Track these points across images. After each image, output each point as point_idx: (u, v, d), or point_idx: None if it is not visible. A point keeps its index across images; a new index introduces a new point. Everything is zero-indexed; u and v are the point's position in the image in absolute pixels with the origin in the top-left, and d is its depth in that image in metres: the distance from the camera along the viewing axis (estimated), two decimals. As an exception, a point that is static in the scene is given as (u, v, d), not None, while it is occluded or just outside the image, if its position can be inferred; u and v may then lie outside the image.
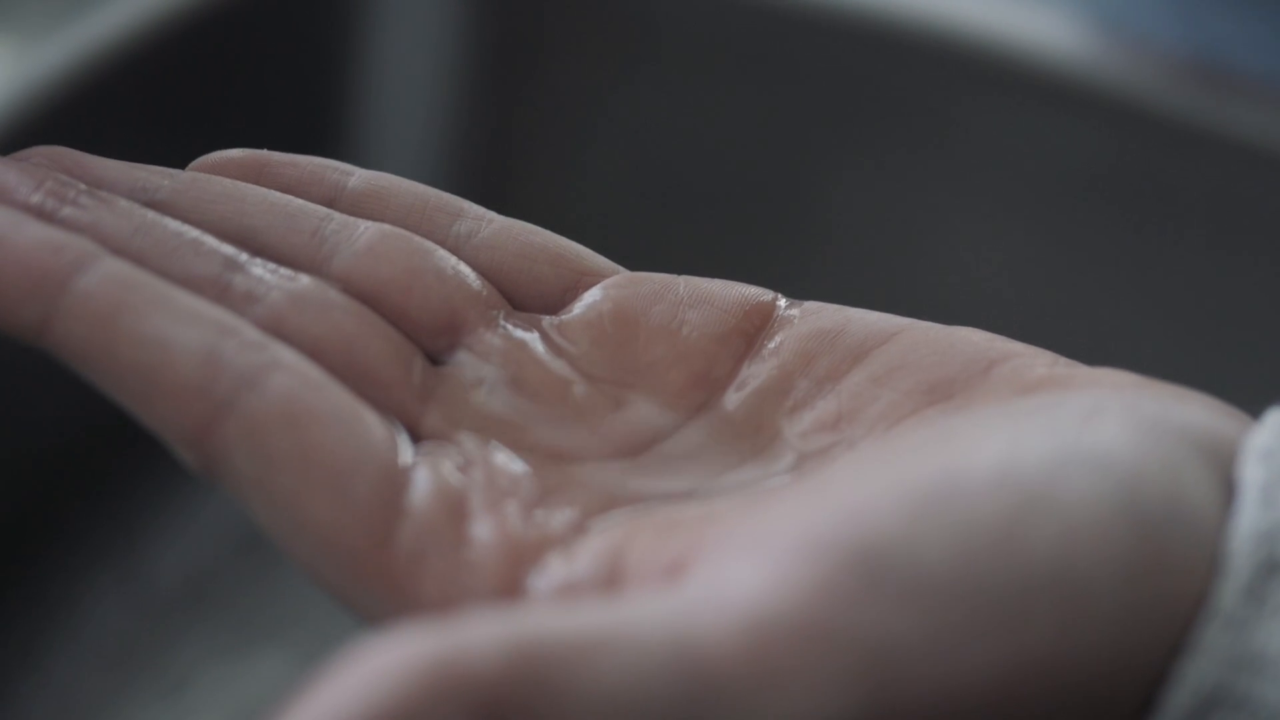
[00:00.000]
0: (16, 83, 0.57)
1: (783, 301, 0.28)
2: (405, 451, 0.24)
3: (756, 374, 0.27)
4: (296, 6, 0.68)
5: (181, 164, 0.28)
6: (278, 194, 0.27)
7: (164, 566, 0.63)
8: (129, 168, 0.27)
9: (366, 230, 0.27)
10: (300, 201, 0.27)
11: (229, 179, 0.27)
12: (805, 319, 0.27)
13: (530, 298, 0.28)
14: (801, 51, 0.66)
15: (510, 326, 0.27)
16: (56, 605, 0.61)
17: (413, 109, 0.72)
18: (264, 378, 0.23)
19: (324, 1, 0.69)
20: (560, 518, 0.24)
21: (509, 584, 0.23)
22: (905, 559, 0.20)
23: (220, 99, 0.65)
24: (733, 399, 0.26)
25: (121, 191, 0.26)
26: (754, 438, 0.26)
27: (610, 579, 0.22)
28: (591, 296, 0.27)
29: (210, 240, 0.26)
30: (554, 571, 0.23)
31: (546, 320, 0.27)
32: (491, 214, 0.28)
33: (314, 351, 0.24)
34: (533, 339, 0.27)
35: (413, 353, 0.26)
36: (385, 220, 0.27)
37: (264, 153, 0.28)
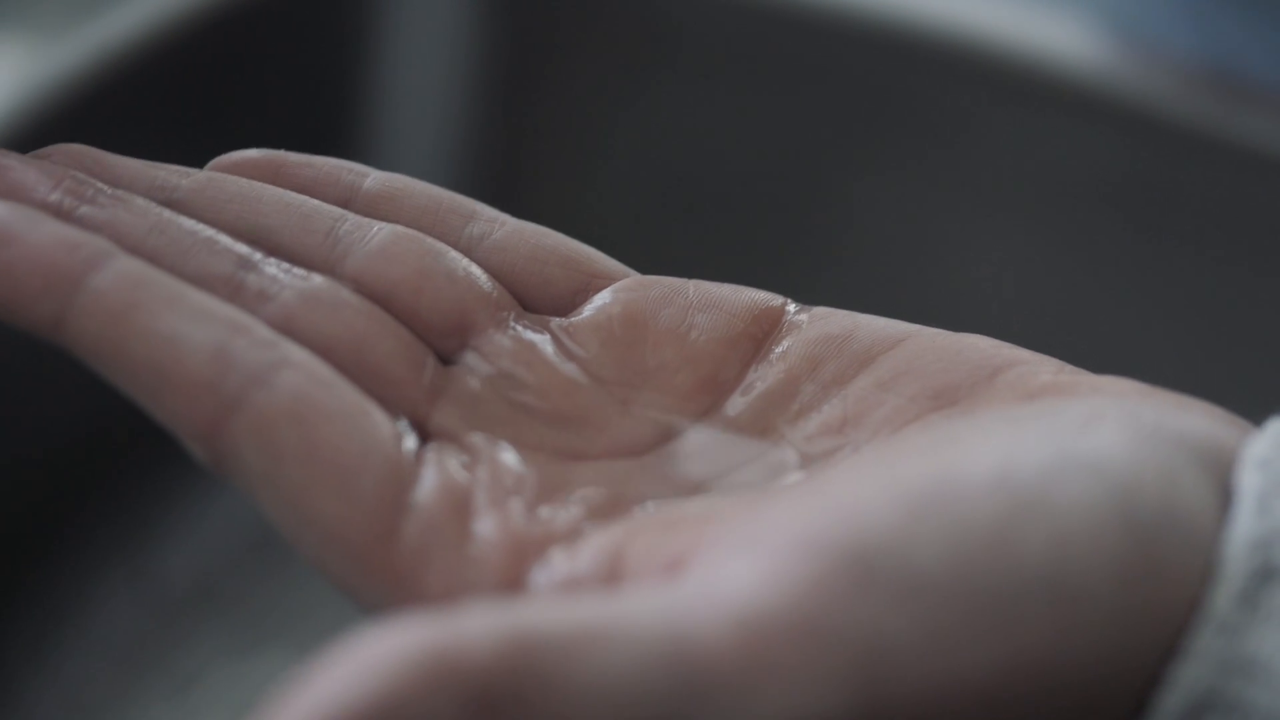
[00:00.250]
0: (32, 82, 0.58)
1: (792, 306, 0.28)
2: (412, 449, 0.25)
3: (763, 377, 0.27)
4: (311, 8, 0.68)
5: (196, 164, 0.29)
6: (293, 194, 0.28)
7: (173, 566, 0.64)
8: (147, 166, 0.28)
9: (379, 231, 0.27)
10: (315, 202, 0.28)
11: (245, 179, 0.28)
12: (813, 324, 0.28)
13: (541, 300, 0.28)
14: (816, 57, 0.67)
15: (520, 328, 0.28)
16: (66, 604, 0.61)
17: (427, 111, 0.72)
18: (273, 375, 0.24)
19: (338, 3, 0.69)
20: (564, 515, 0.24)
21: (512, 579, 0.23)
22: (900, 559, 0.20)
23: (234, 100, 0.66)
24: (739, 402, 0.27)
25: (139, 190, 0.27)
26: (760, 440, 0.26)
27: (611, 575, 0.23)
28: (601, 299, 0.28)
29: (224, 239, 0.26)
30: (556, 567, 0.23)
31: (556, 322, 0.28)
32: (505, 216, 0.29)
33: (325, 350, 0.25)
34: (542, 340, 0.27)
35: (423, 352, 0.27)
36: (399, 222, 0.28)
37: (280, 153, 0.29)
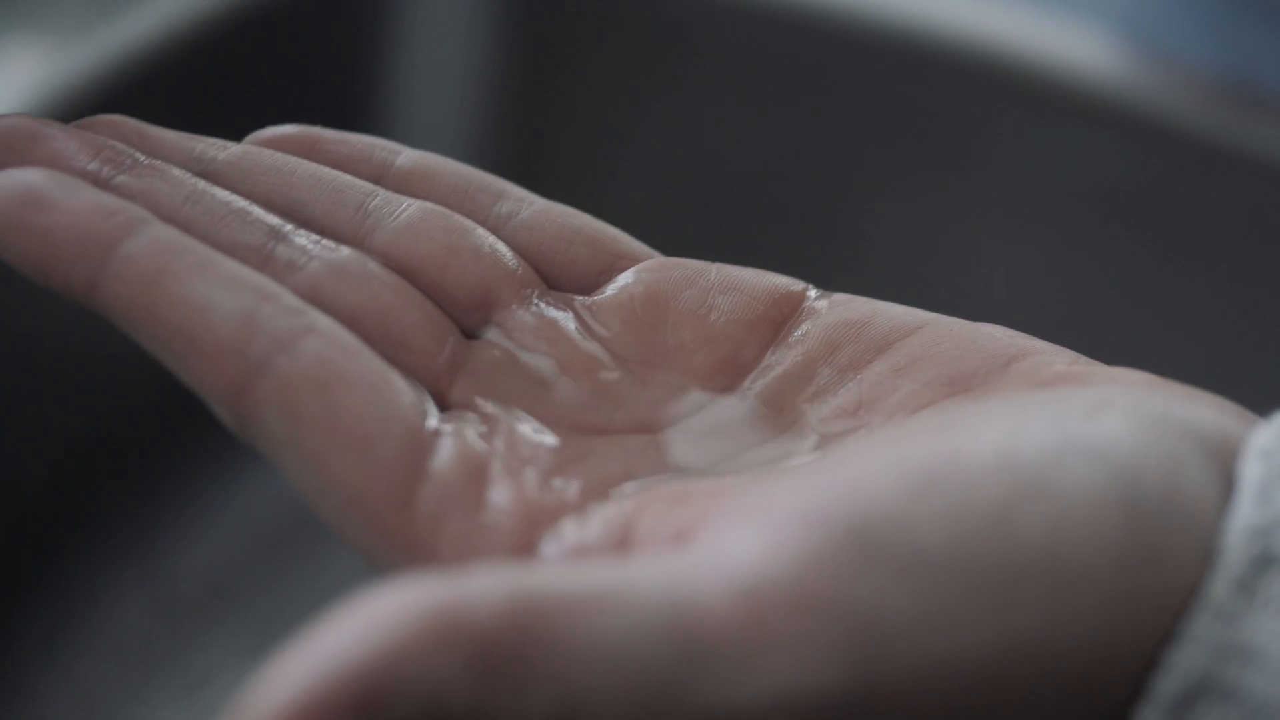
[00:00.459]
0: (56, 79, 0.59)
1: (813, 292, 0.29)
2: (432, 418, 0.25)
3: (781, 360, 0.28)
4: (331, 7, 0.69)
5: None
6: (326, 169, 0.29)
7: (185, 567, 0.65)
8: (185, 138, 0.29)
9: (409, 207, 0.28)
10: (347, 177, 0.29)
11: (280, 153, 0.29)
12: (833, 310, 0.28)
13: (566, 278, 0.29)
14: (831, 63, 0.67)
15: (543, 305, 0.28)
16: (79, 603, 0.62)
17: (445, 110, 0.73)
18: (298, 341, 0.25)
19: (359, 2, 0.70)
20: (577, 487, 0.25)
21: (524, 547, 0.24)
22: (901, 535, 0.21)
23: (253, 99, 0.66)
24: (756, 383, 0.28)
25: (177, 161, 0.28)
26: (775, 421, 0.27)
27: (620, 545, 0.23)
28: (624, 279, 0.29)
29: (257, 211, 0.27)
30: (566, 536, 0.24)
31: (579, 300, 0.29)
32: (533, 196, 0.30)
33: (350, 320, 0.26)
34: (564, 317, 0.28)
35: (447, 326, 0.27)
36: (430, 199, 0.29)
37: (316, 129, 0.30)
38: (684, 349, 0.28)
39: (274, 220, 0.27)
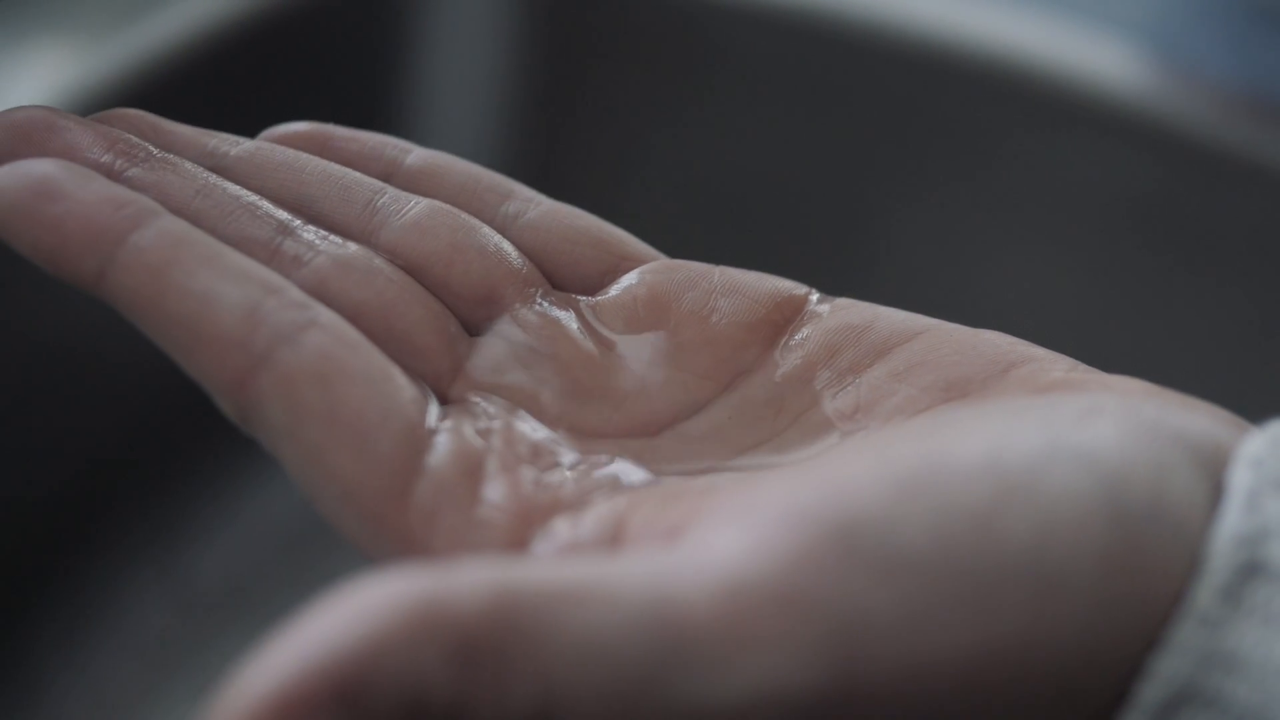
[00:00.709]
0: (84, 78, 0.60)
1: (815, 296, 0.29)
2: (431, 414, 0.26)
3: (781, 363, 0.28)
4: (353, 9, 0.69)
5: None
6: (336, 166, 0.29)
7: (202, 566, 0.65)
8: (199, 133, 0.29)
9: (416, 205, 0.29)
10: (356, 174, 0.29)
11: (292, 150, 0.30)
12: (835, 314, 0.29)
13: (571, 278, 0.30)
14: (854, 73, 0.67)
15: (547, 304, 0.29)
16: (96, 601, 0.63)
17: (466, 115, 0.73)
18: (301, 335, 0.25)
19: (381, 6, 0.70)
20: (572, 486, 0.25)
21: (517, 543, 0.24)
22: (884, 536, 0.21)
23: (275, 100, 0.67)
24: (755, 385, 0.28)
25: (190, 155, 0.29)
26: (772, 423, 0.27)
27: (612, 543, 0.23)
28: (628, 280, 0.29)
29: (266, 205, 0.28)
30: (559, 533, 0.24)
31: (583, 300, 0.29)
32: (541, 197, 0.30)
33: (355, 315, 0.26)
34: (567, 317, 0.29)
35: (451, 323, 0.28)
36: (439, 197, 0.30)
37: (328, 127, 0.31)
38: (685, 350, 0.28)
39: (282, 215, 0.28)
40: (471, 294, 0.28)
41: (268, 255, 0.27)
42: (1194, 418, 0.24)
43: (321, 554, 0.61)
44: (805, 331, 0.28)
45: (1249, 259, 0.63)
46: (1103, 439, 0.23)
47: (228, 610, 0.64)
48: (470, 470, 0.25)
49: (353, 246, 0.28)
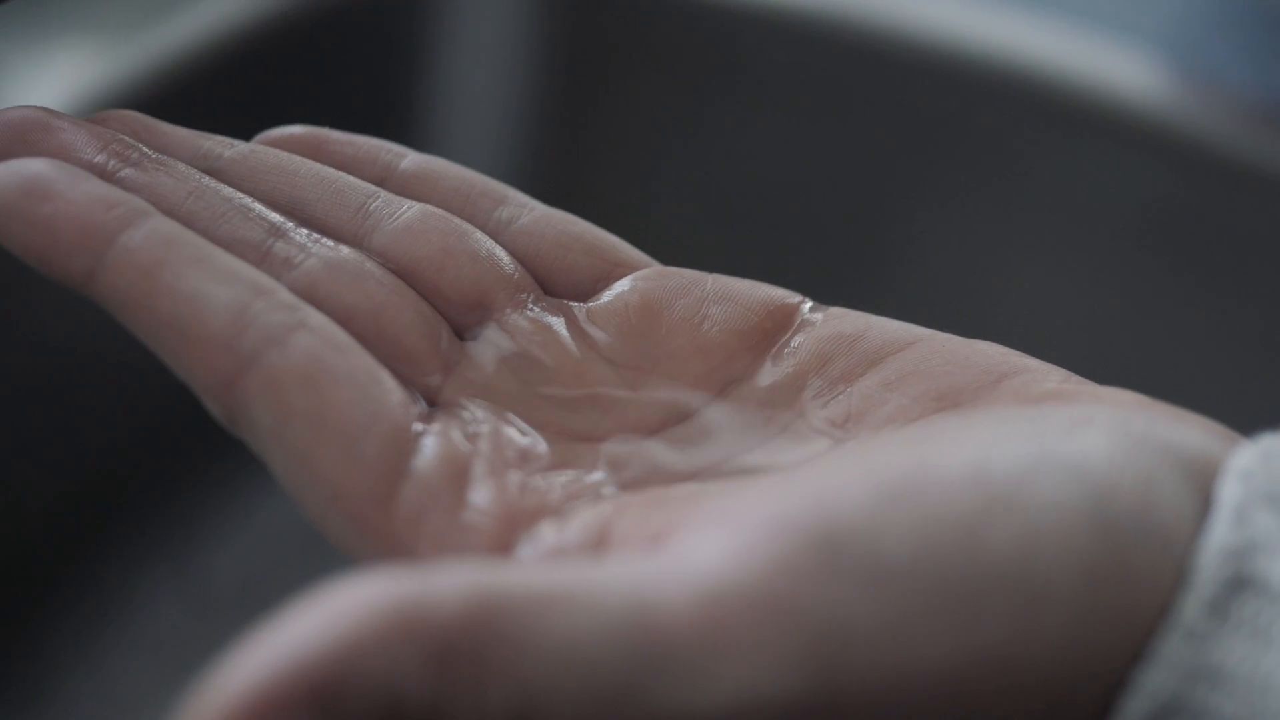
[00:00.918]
0: (102, 80, 0.60)
1: (808, 305, 0.29)
2: (419, 417, 0.26)
3: (772, 371, 0.28)
4: (371, 17, 0.69)
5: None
6: (329, 170, 0.29)
7: (216, 565, 0.65)
8: (194, 135, 0.29)
9: (409, 209, 0.29)
10: (349, 178, 0.29)
11: (286, 153, 0.30)
12: (827, 323, 0.29)
13: (563, 284, 0.29)
14: (872, 82, 0.67)
15: (538, 309, 0.29)
16: (110, 600, 0.63)
17: (484, 120, 0.73)
18: (289, 337, 0.25)
19: (400, 12, 0.70)
20: (559, 490, 0.25)
21: (502, 547, 0.24)
22: (867, 545, 0.21)
23: (295, 104, 0.67)
24: (746, 393, 0.28)
25: (184, 157, 0.29)
26: (763, 431, 0.27)
27: (597, 547, 0.23)
28: (620, 286, 0.29)
29: (258, 207, 0.28)
30: (544, 537, 0.24)
31: (575, 306, 0.29)
32: (535, 202, 0.30)
33: (344, 318, 0.26)
34: (558, 323, 0.29)
35: (441, 327, 0.28)
36: (432, 202, 0.30)
37: (324, 130, 0.31)
38: (676, 357, 0.28)
39: (275, 217, 0.28)
40: (462, 298, 0.28)
41: (259, 257, 0.27)
42: (1184, 430, 0.24)
43: (335, 555, 0.61)
44: (797, 340, 0.28)
45: (1265, 269, 0.63)
46: (1091, 450, 0.22)
47: (241, 610, 0.64)
48: (456, 474, 0.25)
49: (344, 249, 0.28)
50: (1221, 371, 0.63)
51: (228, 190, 0.28)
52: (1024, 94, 0.65)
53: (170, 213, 0.27)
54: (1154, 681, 0.22)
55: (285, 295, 0.26)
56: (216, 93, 0.63)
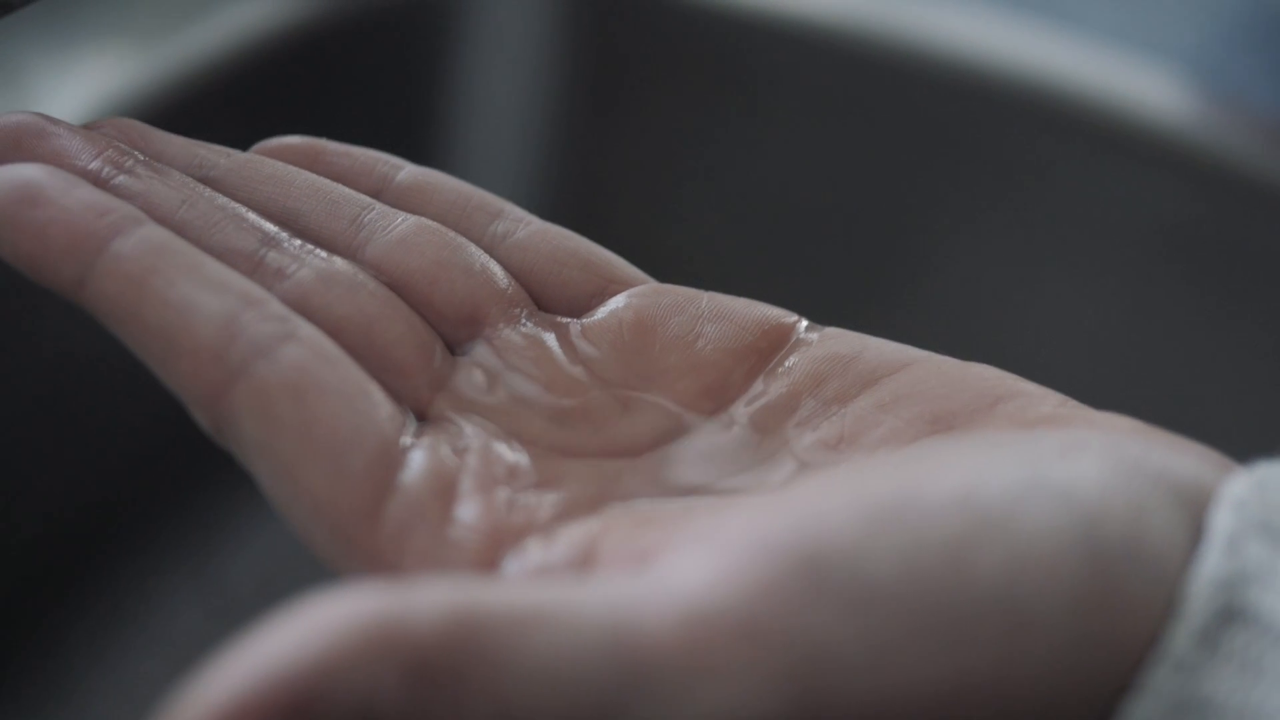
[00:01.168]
0: (125, 86, 0.60)
1: (804, 324, 0.29)
2: (407, 431, 0.26)
3: (766, 390, 0.28)
4: (394, 28, 0.69)
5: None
6: (325, 181, 0.29)
7: (234, 568, 0.65)
8: (190, 144, 0.29)
9: (403, 222, 0.29)
10: (344, 189, 0.29)
11: (282, 163, 0.29)
12: (823, 343, 0.28)
13: (558, 300, 0.29)
14: (896, 99, 0.67)
15: (531, 325, 0.29)
16: (128, 602, 0.63)
17: (507, 134, 0.73)
18: (278, 348, 0.25)
19: (422, 26, 0.71)
20: (547, 507, 0.25)
21: (487, 564, 0.24)
22: (852, 568, 0.21)
23: (317, 114, 0.67)
24: (739, 412, 0.28)
25: (179, 165, 0.29)
26: (755, 450, 0.27)
27: (582, 566, 0.23)
28: (615, 303, 0.29)
29: (252, 217, 0.28)
30: (529, 555, 0.24)
31: (569, 322, 0.29)
32: (531, 217, 0.30)
33: (335, 330, 0.26)
34: (551, 339, 0.28)
35: (433, 340, 0.28)
36: (428, 215, 0.29)
37: (321, 141, 0.31)
38: (668, 374, 0.28)
39: (268, 227, 0.28)
40: (455, 312, 0.28)
41: (251, 267, 0.27)
42: (1179, 458, 0.24)
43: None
44: (792, 360, 0.28)
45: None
46: (1082, 476, 0.22)
47: (260, 610, 0.64)
48: (443, 489, 0.25)
49: (337, 261, 0.28)
50: (1244, 392, 0.63)
51: (222, 199, 0.28)
52: (1047, 110, 0.65)
53: (163, 221, 0.26)
54: (1142, 713, 0.21)
55: (276, 306, 0.25)
56: (238, 100, 0.63)
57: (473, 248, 0.29)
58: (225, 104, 0.63)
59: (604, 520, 0.24)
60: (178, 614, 0.63)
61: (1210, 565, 0.22)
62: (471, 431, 0.26)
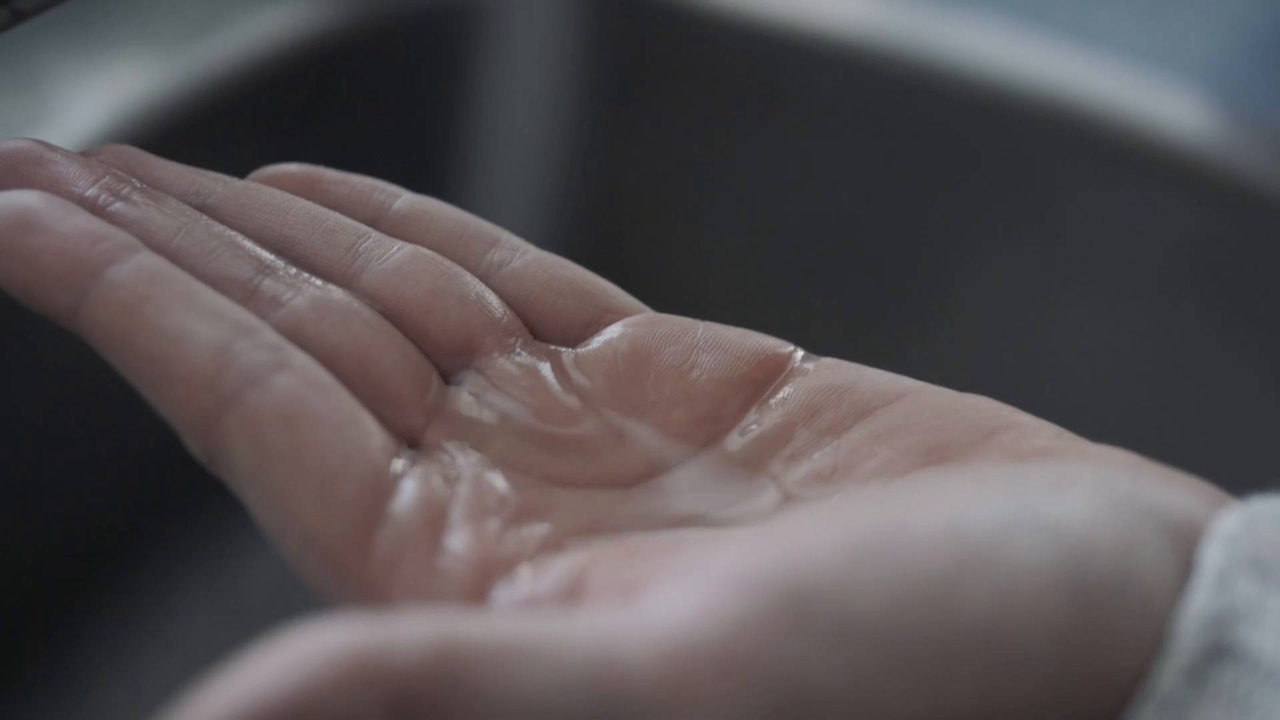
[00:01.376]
0: (151, 91, 0.60)
1: (799, 354, 0.29)
2: (399, 461, 0.26)
3: (760, 420, 0.28)
4: (413, 42, 0.70)
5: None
6: (321, 209, 0.29)
7: (249, 574, 0.65)
8: (188, 171, 0.29)
9: (399, 250, 0.29)
10: (341, 218, 0.29)
11: (279, 191, 0.30)
12: (818, 373, 0.28)
13: (553, 329, 0.29)
14: (918, 118, 0.67)
15: (526, 354, 0.29)
16: (143, 608, 0.63)
17: (525, 149, 0.73)
18: (270, 377, 0.25)
19: (442, 38, 0.71)
20: (537, 537, 0.25)
21: (476, 594, 0.24)
22: (836, 602, 0.21)
23: (336, 129, 0.67)
24: (733, 442, 0.28)
25: (177, 192, 0.29)
26: (747, 481, 0.27)
27: (571, 597, 0.23)
28: (610, 333, 0.29)
29: (248, 245, 0.28)
30: (518, 586, 0.24)
31: (563, 352, 0.29)
32: (528, 246, 0.30)
33: (329, 359, 0.26)
34: (545, 368, 0.29)
35: (427, 370, 0.28)
36: (424, 244, 0.29)
37: (318, 169, 0.31)
38: (662, 404, 0.28)
39: (264, 255, 0.28)
40: (449, 341, 0.28)
41: (246, 295, 0.27)
42: (1171, 492, 0.24)
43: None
44: (786, 390, 0.28)
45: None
46: (1071, 510, 0.22)
47: (271, 619, 0.64)
48: (433, 519, 0.25)
49: (333, 289, 0.28)
50: (1268, 415, 0.63)
51: (218, 227, 0.28)
52: (1067, 129, 0.64)
53: (159, 248, 0.27)
54: None
55: (269, 335, 0.26)
56: (256, 109, 0.63)
57: (468, 276, 0.29)
58: (243, 113, 0.63)
59: (593, 552, 0.24)
60: (192, 620, 0.63)
61: (1199, 601, 0.22)
62: (464, 461, 0.26)
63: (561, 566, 0.24)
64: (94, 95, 0.59)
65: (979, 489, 0.23)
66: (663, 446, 0.28)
